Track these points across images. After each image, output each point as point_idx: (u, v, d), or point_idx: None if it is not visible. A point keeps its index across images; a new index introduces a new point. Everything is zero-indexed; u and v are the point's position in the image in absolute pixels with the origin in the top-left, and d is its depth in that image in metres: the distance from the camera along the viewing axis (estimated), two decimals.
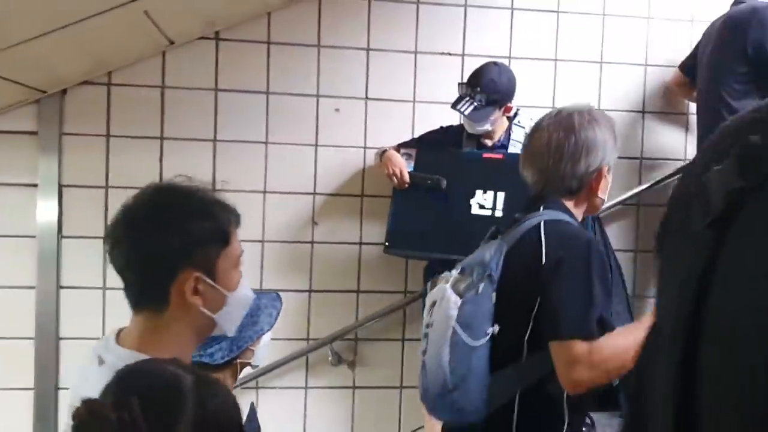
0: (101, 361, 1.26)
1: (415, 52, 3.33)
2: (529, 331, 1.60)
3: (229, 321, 1.36)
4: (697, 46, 3.26)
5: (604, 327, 1.56)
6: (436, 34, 3.34)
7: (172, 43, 3.12)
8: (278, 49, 3.24)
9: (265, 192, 3.25)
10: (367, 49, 3.30)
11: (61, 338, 3.15)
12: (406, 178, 2.94)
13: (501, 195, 2.86)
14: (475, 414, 1.62)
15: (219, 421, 1.00)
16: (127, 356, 1.19)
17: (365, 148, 3.29)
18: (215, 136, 3.22)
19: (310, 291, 3.28)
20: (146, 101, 3.16)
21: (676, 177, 3.49)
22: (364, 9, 3.29)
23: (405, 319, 3.37)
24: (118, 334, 1.33)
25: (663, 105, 3.50)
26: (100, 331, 3.16)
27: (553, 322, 1.56)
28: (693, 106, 3.40)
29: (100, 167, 3.14)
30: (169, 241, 1.24)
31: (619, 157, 3.38)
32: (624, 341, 1.54)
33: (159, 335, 1.27)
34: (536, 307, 1.59)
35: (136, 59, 3.12)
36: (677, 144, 3.53)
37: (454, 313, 1.62)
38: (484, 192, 2.88)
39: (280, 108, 3.25)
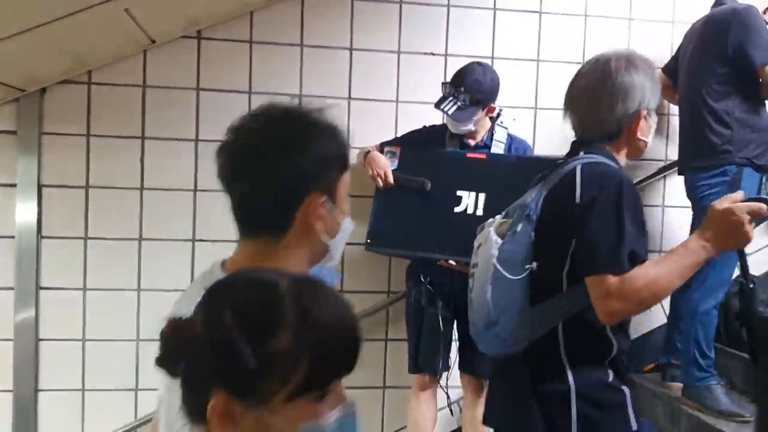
0: None
1: (399, 52, 3.33)
2: (567, 268, 1.69)
3: (337, 249, 1.31)
4: (678, 49, 3.28)
5: (636, 262, 1.62)
6: (419, 34, 3.34)
7: (153, 41, 3.09)
8: (261, 48, 3.23)
9: None
10: (350, 49, 3.29)
11: (41, 340, 3.12)
12: (391, 179, 2.94)
13: (482, 195, 2.86)
14: (518, 344, 1.73)
15: (325, 323, 0.88)
16: None
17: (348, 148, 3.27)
18: (197, 136, 3.19)
19: None
20: (127, 100, 3.13)
21: (656, 177, 3.51)
22: (347, 9, 3.28)
23: (388, 319, 3.37)
24: (223, 264, 1.27)
25: None
26: (80, 333, 3.13)
27: (587, 258, 1.64)
28: (674, 108, 3.42)
29: (80, 167, 3.11)
30: (299, 162, 1.18)
31: None
32: (656, 271, 1.63)
33: (274, 262, 1.18)
34: (572, 244, 1.67)
35: (117, 58, 3.10)
36: (658, 145, 3.55)
37: (496, 252, 1.73)
38: (468, 193, 2.87)
39: None
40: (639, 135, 1.83)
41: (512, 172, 2.77)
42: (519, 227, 1.73)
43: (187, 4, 2.99)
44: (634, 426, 1.72)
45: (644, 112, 1.81)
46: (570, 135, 3.62)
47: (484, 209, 2.82)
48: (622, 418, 1.71)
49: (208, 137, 3.18)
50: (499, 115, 3.01)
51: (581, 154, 1.79)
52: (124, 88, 3.13)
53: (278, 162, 1.18)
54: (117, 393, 3.17)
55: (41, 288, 3.11)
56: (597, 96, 1.79)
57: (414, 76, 3.32)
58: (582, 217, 1.64)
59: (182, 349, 0.86)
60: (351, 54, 3.30)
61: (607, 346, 1.71)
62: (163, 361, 0.88)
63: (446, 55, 3.35)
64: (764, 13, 3.05)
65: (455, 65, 3.00)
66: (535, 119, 3.44)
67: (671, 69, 3.32)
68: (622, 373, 1.76)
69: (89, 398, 3.17)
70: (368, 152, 3.02)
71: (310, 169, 1.20)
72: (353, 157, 3.24)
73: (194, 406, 0.88)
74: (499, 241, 1.74)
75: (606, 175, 1.71)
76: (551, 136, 3.44)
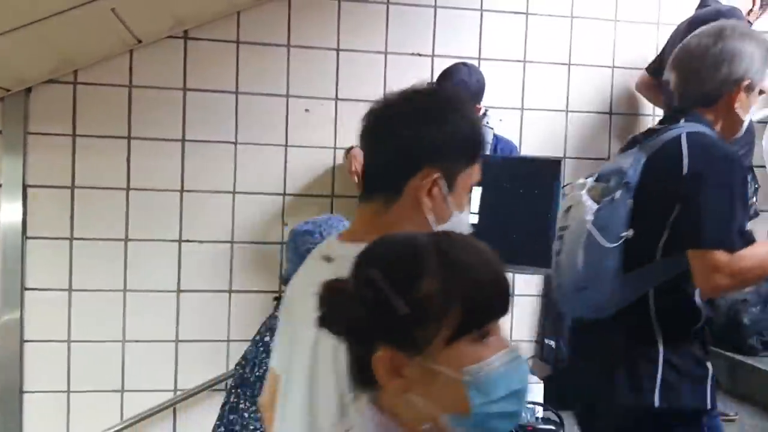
0: (329, 259, 1.24)
1: (385, 53, 3.33)
2: (664, 238, 1.68)
3: None
4: (663, 50, 3.30)
5: (745, 239, 1.62)
6: (406, 34, 3.34)
7: (139, 41, 3.08)
8: (248, 48, 3.22)
9: (234, 192, 3.22)
10: (337, 50, 3.29)
11: (26, 341, 3.10)
12: None
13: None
14: (605, 310, 1.74)
15: (469, 266, 0.90)
16: (356, 249, 1.06)
17: (335, 148, 3.28)
18: (183, 136, 3.18)
19: (279, 292, 3.27)
20: (113, 100, 3.12)
21: None
22: (334, 9, 3.28)
23: None
24: (340, 234, 1.31)
25: (630, 106, 3.54)
26: (66, 334, 3.12)
27: (694, 231, 1.62)
28: (659, 110, 3.43)
29: (65, 167, 3.10)
30: (428, 134, 1.21)
31: (587, 158, 3.44)
32: (764, 252, 1.64)
33: (384, 230, 1.16)
34: (673, 215, 1.65)
35: (103, 58, 3.08)
36: None
37: (590, 217, 1.72)
38: None
39: (250, 108, 3.23)
40: (737, 107, 1.77)
41: (498, 173, 2.78)
42: (618, 194, 1.70)
43: (173, 4, 2.98)
44: (710, 404, 1.72)
45: (747, 82, 1.76)
46: (556, 135, 3.63)
47: (471, 209, 2.83)
48: (701, 393, 1.72)
49: (194, 137, 3.18)
50: (485, 115, 3.01)
51: (682, 122, 1.76)
52: (110, 88, 3.12)
53: (411, 127, 1.22)
54: (102, 394, 3.16)
55: (26, 289, 3.10)
56: (704, 54, 1.76)
57: (401, 76, 3.32)
58: (690, 191, 1.63)
59: (339, 308, 0.91)
60: (338, 54, 3.30)
61: (696, 315, 1.72)
62: (324, 321, 0.93)
63: (433, 55, 3.36)
64: (747, 14, 3.08)
65: (442, 66, 3.01)
66: (521, 120, 3.45)
67: (655, 69, 3.34)
68: (706, 346, 1.77)
69: (74, 400, 3.15)
70: (351, 148, 3.02)
71: (437, 143, 1.21)
72: (339, 157, 3.25)
73: (360, 370, 0.93)
74: (594, 205, 1.73)
75: (714, 147, 1.69)
76: (537, 136, 3.46)
